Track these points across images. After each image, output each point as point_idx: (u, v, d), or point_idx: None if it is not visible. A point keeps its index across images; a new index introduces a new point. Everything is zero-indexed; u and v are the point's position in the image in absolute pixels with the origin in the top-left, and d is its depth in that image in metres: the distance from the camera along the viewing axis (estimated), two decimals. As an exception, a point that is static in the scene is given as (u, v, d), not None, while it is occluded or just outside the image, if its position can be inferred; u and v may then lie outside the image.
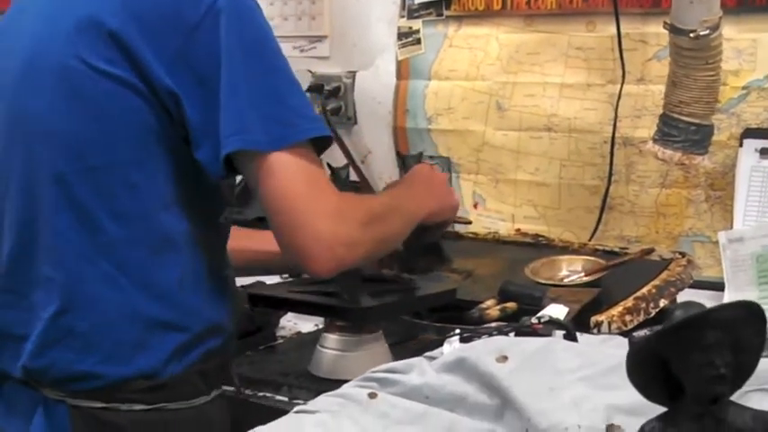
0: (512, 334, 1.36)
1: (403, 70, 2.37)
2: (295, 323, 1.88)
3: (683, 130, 1.93)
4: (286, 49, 2.41)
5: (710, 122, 1.94)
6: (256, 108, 1.30)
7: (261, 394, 1.56)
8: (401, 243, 1.61)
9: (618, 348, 1.24)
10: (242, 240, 1.59)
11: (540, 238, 2.02)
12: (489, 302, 1.66)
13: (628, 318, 1.62)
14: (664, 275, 1.76)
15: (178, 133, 1.33)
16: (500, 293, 1.68)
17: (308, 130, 1.33)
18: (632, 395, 0.91)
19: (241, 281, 1.67)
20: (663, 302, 1.69)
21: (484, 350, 1.21)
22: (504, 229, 2.23)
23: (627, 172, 2.11)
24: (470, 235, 2.09)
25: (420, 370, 1.24)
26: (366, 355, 1.54)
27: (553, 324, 1.40)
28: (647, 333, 0.96)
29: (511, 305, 1.64)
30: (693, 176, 2.04)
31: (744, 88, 1.98)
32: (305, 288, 1.62)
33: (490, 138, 2.26)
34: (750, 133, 1.96)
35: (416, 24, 2.34)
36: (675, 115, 1.93)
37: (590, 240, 2.09)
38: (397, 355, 1.50)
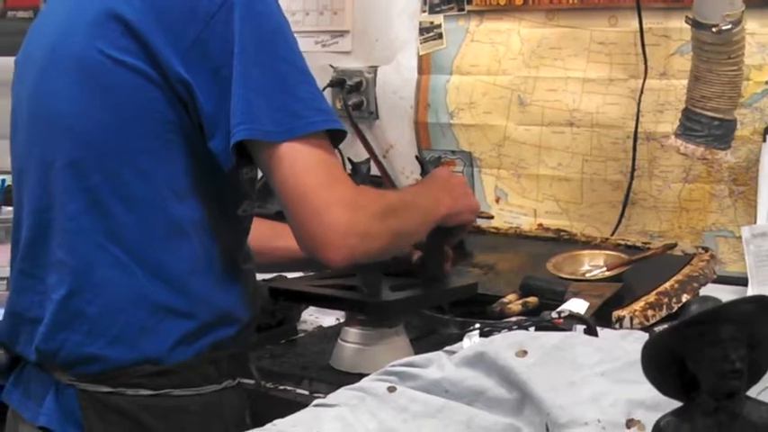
0: (532, 328, 1.36)
1: (424, 65, 2.37)
2: (316, 317, 1.88)
3: (706, 125, 1.93)
4: (308, 43, 2.47)
5: (733, 117, 1.93)
6: (266, 98, 1.30)
7: (281, 387, 1.56)
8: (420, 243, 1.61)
9: (637, 343, 1.23)
10: (280, 239, 1.61)
11: (563, 233, 2.02)
12: (511, 297, 1.66)
13: (650, 313, 1.62)
14: (686, 270, 1.75)
15: (193, 123, 1.34)
16: (521, 288, 1.68)
17: (318, 123, 1.33)
18: (652, 390, 0.91)
19: (262, 275, 1.67)
20: (685, 297, 1.69)
21: (503, 344, 1.21)
22: (527, 223, 2.22)
23: (650, 167, 2.11)
24: (492, 230, 2.10)
25: (439, 364, 1.23)
26: (387, 349, 1.54)
27: (573, 319, 1.40)
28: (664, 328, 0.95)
29: (532, 300, 1.64)
30: (716, 171, 2.03)
31: (767, 83, 1.97)
32: (326, 282, 1.62)
33: (512, 132, 2.26)
34: (773, 128, 1.96)
35: (438, 19, 2.34)
36: (698, 110, 1.92)
37: (612, 235, 2.09)
38: (419, 350, 1.51)
